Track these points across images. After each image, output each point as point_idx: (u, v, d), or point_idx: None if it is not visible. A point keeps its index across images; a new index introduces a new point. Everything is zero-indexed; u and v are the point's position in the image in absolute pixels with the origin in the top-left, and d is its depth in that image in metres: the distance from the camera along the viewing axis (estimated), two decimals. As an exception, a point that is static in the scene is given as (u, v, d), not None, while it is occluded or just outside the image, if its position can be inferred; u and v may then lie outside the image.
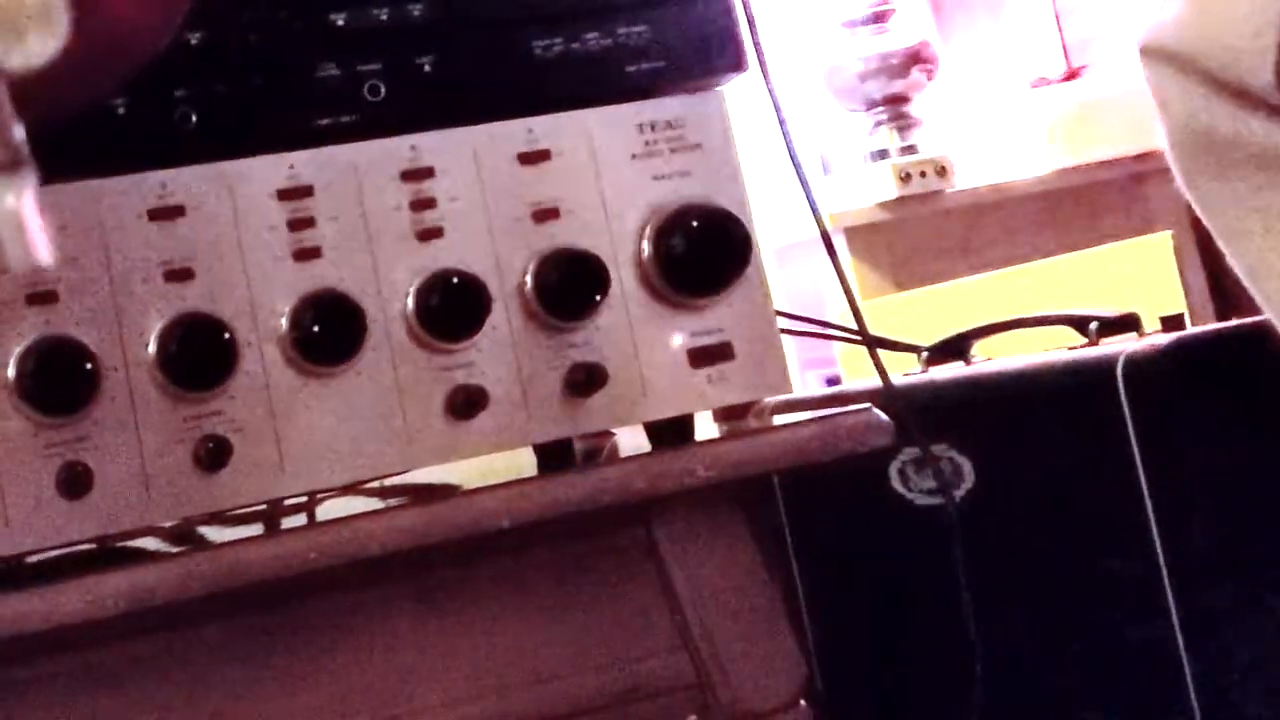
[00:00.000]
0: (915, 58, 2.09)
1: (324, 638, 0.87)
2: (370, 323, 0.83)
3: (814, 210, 0.92)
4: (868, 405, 0.97)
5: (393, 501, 0.90)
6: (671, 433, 0.94)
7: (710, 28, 0.93)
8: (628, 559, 0.93)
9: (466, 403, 0.85)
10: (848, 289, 0.96)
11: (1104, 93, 2.07)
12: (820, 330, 1.29)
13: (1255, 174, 0.69)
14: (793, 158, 0.92)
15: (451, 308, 0.84)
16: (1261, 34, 0.67)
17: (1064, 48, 2.33)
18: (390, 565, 0.84)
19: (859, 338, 1.04)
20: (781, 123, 0.93)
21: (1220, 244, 0.75)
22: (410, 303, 0.85)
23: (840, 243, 2.00)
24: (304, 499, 0.94)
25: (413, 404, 0.85)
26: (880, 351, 1.03)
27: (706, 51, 0.93)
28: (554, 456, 0.93)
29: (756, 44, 0.93)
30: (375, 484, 0.95)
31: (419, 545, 0.84)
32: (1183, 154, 0.74)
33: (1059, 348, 1.35)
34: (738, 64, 0.94)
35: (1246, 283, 0.74)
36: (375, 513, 0.85)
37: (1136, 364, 1.16)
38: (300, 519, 0.93)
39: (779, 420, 1.00)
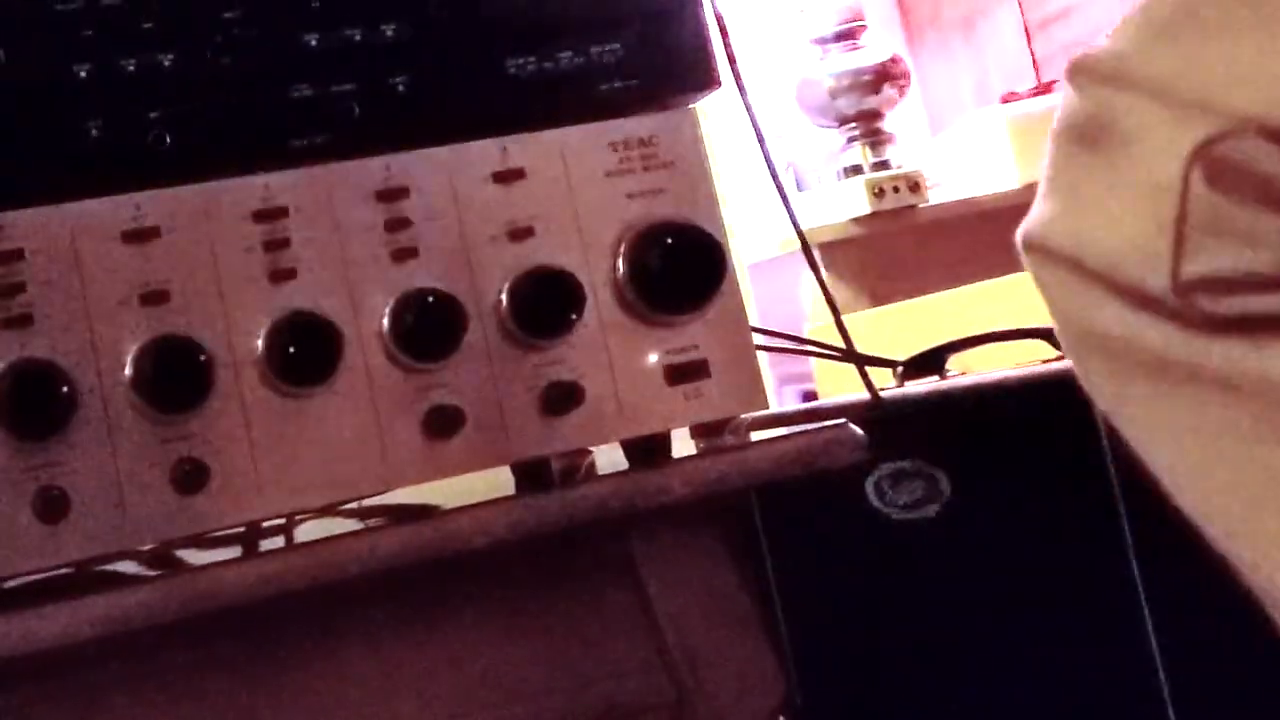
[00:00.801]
0: (886, 73, 2.09)
1: (302, 658, 0.87)
2: (346, 343, 0.83)
3: (796, 227, 0.92)
4: (844, 421, 0.97)
5: (371, 522, 0.90)
6: (649, 450, 0.93)
7: (683, 45, 0.93)
8: (606, 577, 0.93)
9: (443, 423, 0.85)
10: (833, 304, 0.96)
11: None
12: (799, 346, 1.29)
13: (1157, 381, 0.65)
14: (773, 175, 0.92)
15: (428, 327, 0.84)
16: (1153, 238, 0.63)
17: (1034, 62, 2.34)
18: (368, 586, 0.84)
19: (839, 353, 1.04)
20: (760, 140, 0.93)
21: (1133, 448, 0.70)
22: (386, 323, 0.84)
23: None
24: (282, 521, 0.94)
25: (390, 424, 0.84)
26: (853, 366, 1.03)
27: (679, 69, 0.93)
28: (531, 475, 0.93)
29: (731, 61, 0.93)
30: (354, 505, 0.95)
31: (397, 566, 0.84)
32: (1078, 355, 0.70)
33: (1032, 361, 1.35)
34: (710, 81, 0.94)
35: (1163, 482, 0.70)
36: (353, 534, 0.85)
37: (1110, 376, 1.16)
38: (278, 541, 0.93)
39: (756, 436, 1.00)
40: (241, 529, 0.90)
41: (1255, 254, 0.61)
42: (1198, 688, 1.13)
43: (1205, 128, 0.61)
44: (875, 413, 1.17)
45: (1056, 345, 1.33)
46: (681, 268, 0.90)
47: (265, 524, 0.91)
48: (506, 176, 0.88)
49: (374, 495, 0.89)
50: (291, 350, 0.81)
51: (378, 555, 0.83)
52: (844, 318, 1.78)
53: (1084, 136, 0.67)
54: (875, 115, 2.09)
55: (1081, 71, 0.68)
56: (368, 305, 0.84)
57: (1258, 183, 0.61)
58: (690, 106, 0.93)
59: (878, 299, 1.86)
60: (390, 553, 0.83)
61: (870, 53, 2.10)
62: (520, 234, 0.88)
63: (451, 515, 0.86)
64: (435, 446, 0.85)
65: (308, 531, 0.92)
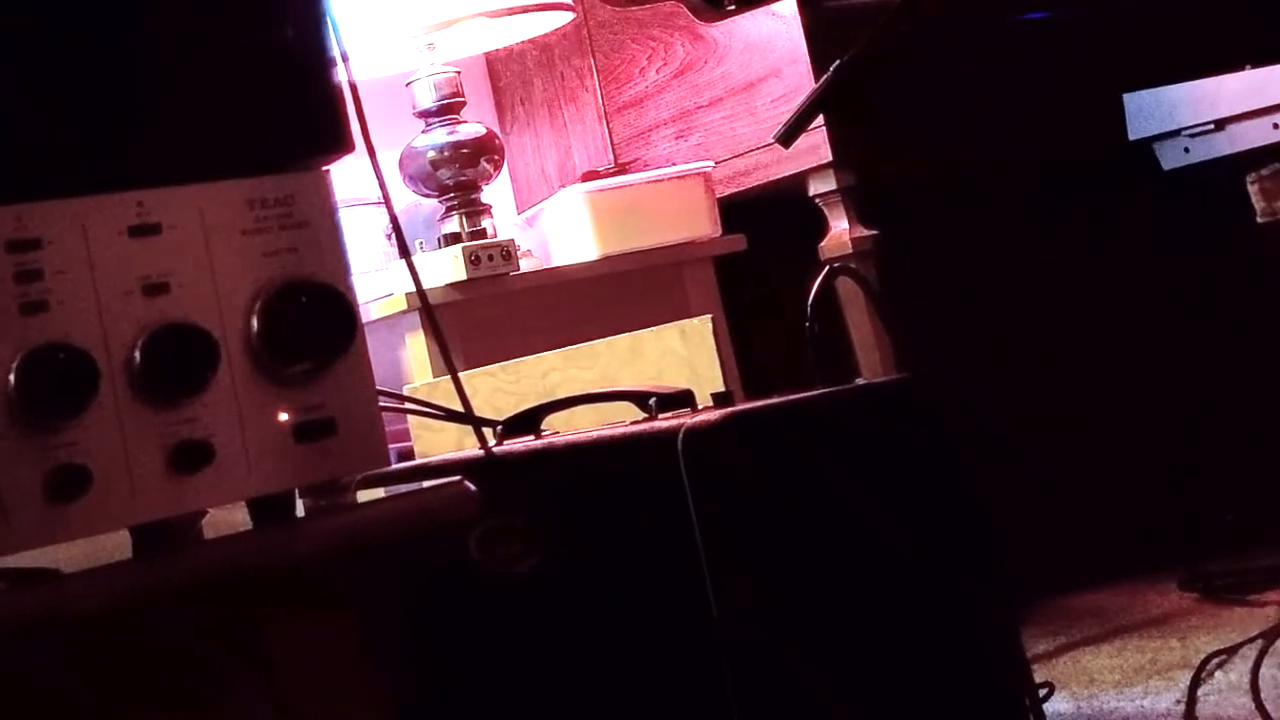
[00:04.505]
0: (484, 148, 2.09)
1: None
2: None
3: (421, 295, 0.90)
4: (459, 478, 0.95)
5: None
6: (273, 510, 0.89)
7: (318, 109, 0.90)
8: (232, 643, 0.88)
9: (68, 484, 0.78)
10: (452, 369, 0.94)
11: (647, 186, 2.14)
12: (419, 408, 1.26)
13: None
14: (401, 240, 0.90)
15: (56, 384, 0.77)
16: None
17: (612, 144, 2.40)
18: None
19: (455, 414, 1.02)
20: (388, 204, 0.91)
21: None
22: (12, 379, 0.77)
23: (415, 321, 1.98)
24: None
25: (11, 486, 0.77)
26: (459, 426, 1.01)
27: (314, 131, 0.90)
28: (150, 538, 0.86)
29: (364, 127, 0.91)
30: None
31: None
32: None
33: (619, 421, 1.37)
34: (344, 145, 0.91)
35: None
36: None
37: (695, 436, 1.19)
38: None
39: (363, 495, 0.97)
40: None
41: None
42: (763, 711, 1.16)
43: None
44: (489, 469, 1.16)
45: (643, 407, 1.37)
46: (313, 326, 0.87)
47: None
48: (142, 231, 0.82)
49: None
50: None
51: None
52: (442, 380, 1.77)
53: None
54: (473, 187, 2.09)
55: None
56: (-9, 360, 0.76)
57: None
58: (325, 169, 0.90)
59: (472, 361, 1.85)
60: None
61: (470, 128, 2.10)
62: (155, 289, 0.82)
63: (66, 581, 0.79)
64: (58, 509, 0.78)
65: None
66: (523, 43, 2.39)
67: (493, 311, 2.03)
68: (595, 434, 1.33)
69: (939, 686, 1.22)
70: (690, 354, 1.85)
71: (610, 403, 1.46)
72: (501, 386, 1.81)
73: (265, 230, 0.86)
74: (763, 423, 1.22)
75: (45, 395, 0.77)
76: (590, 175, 2.33)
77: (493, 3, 2.07)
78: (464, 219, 2.08)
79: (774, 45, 2.07)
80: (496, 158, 2.13)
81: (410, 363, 2.01)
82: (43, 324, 0.78)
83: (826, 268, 1.55)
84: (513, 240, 2.04)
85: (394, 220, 0.93)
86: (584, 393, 1.51)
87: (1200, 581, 2.06)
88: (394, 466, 1.46)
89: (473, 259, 1.96)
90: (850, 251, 2.00)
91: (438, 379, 1.85)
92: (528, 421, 1.46)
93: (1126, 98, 2.01)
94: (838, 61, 1.78)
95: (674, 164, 2.24)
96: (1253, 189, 1.97)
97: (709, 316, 1.87)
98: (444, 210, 2.11)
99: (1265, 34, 2.04)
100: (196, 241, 0.84)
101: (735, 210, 2.21)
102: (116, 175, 0.82)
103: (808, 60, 2.02)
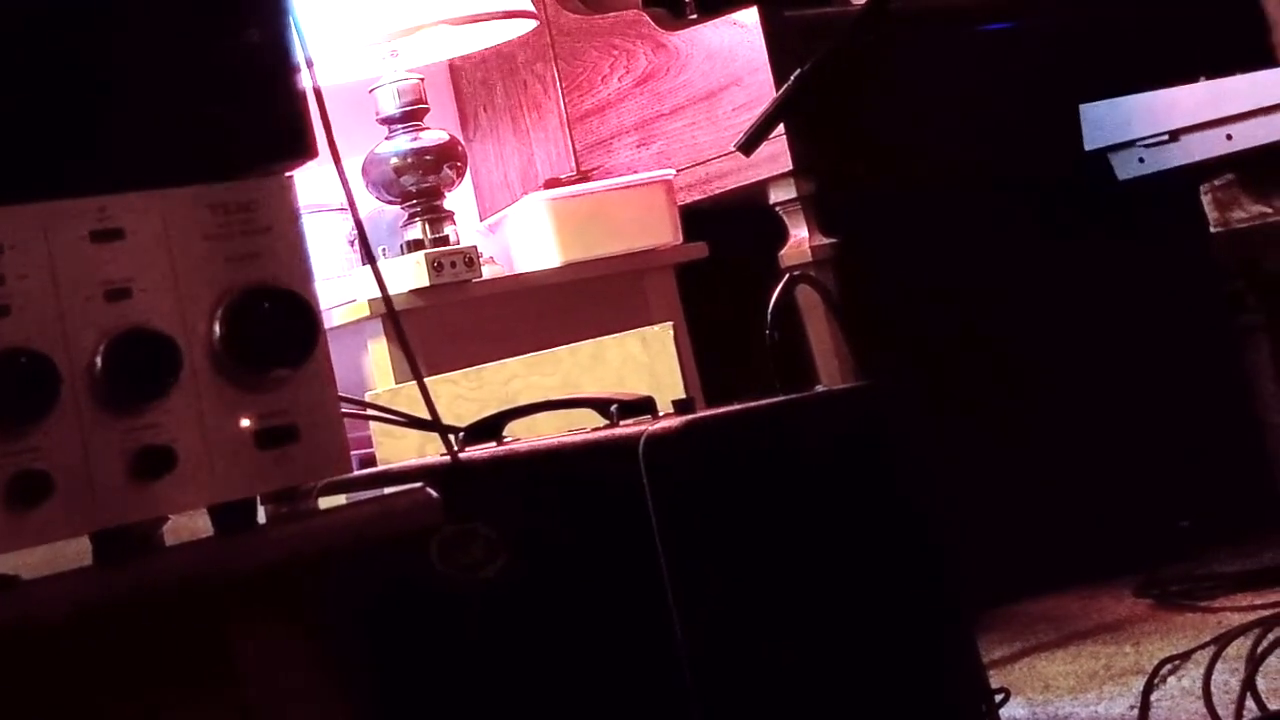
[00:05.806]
0: (447, 154, 2.09)
1: None
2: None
3: (387, 301, 0.90)
4: (421, 485, 0.95)
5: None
6: (235, 516, 0.88)
7: (282, 115, 0.89)
8: (194, 650, 0.87)
9: (29, 489, 0.77)
10: (419, 374, 0.94)
11: (608, 194, 2.14)
12: (382, 414, 1.26)
13: None
14: (366, 246, 0.90)
15: (17, 389, 0.76)
16: None
17: (574, 152, 2.40)
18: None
19: (419, 421, 1.02)
20: (353, 209, 0.90)
21: None
22: (-29, 384, 0.76)
23: (377, 328, 1.97)
24: None
25: (-30, 490, 0.76)
26: (421, 433, 1.01)
27: (278, 137, 0.89)
28: (111, 544, 0.86)
29: (329, 133, 0.91)
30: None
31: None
32: None
33: (581, 428, 1.37)
34: (308, 151, 0.91)
35: None
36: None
37: (655, 443, 1.20)
38: None
39: (324, 501, 0.97)
40: None
41: None
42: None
43: None
44: (451, 476, 1.16)
45: (604, 414, 1.37)
46: (276, 333, 0.87)
47: None
48: (104, 236, 0.81)
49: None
50: None
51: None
52: (404, 386, 1.76)
53: None
54: (436, 193, 2.09)
55: None
56: (-49, 365, 0.76)
57: None
58: (288, 174, 0.89)
59: (434, 367, 1.85)
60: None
61: (433, 134, 2.10)
62: (117, 294, 0.81)
63: (28, 586, 0.78)
64: (19, 515, 0.77)
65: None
66: (486, 50, 2.39)
67: (455, 318, 2.03)
68: (557, 441, 1.33)
69: (895, 691, 1.22)
70: (651, 361, 1.86)
71: (572, 409, 1.47)
72: (463, 393, 1.81)
73: (228, 236, 0.86)
74: (723, 430, 1.22)
75: (5, 401, 0.76)
76: (552, 182, 2.32)
77: (456, 10, 2.07)
78: (426, 225, 2.08)
79: (736, 54, 2.08)
80: (459, 164, 2.13)
81: (372, 369, 2.00)
82: (3, 329, 0.77)
83: (787, 276, 1.55)
84: (475, 247, 2.04)
85: (359, 226, 0.92)
86: (546, 399, 1.51)
87: (1154, 588, 2.08)
88: (356, 473, 1.45)
89: (435, 265, 1.96)
90: (810, 260, 2.01)
91: (400, 385, 1.84)
92: (490, 428, 1.46)
93: (1083, 108, 2.03)
94: (799, 70, 1.78)
95: (636, 172, 2.24)
96: (1206, 199, 1.99)
97: (670, 324, 1.87)
98: (406, 217, 2.11)
99: (1219, 46, 2.06)
100: (159, 246, 0.83)
101: (697, 218, 2.21)
102: (78, 180, 0.81)
103: (769, 69, 2.03)
